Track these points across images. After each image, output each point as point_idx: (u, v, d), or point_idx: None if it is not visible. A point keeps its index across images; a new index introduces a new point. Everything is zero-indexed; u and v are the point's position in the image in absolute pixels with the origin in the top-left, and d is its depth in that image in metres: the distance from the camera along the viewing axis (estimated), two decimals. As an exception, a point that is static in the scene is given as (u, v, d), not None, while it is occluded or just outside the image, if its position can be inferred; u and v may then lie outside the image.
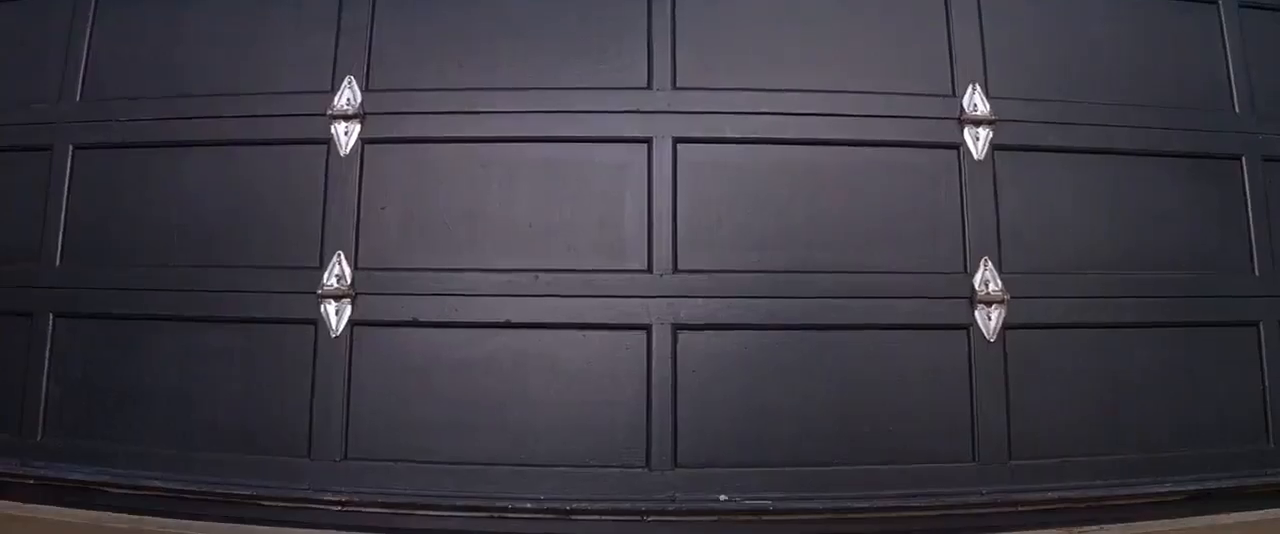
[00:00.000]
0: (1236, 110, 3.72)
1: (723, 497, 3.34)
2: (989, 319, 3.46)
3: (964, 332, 3.46)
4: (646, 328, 3.41)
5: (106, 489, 3.50)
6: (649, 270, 3.44)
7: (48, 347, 3.59)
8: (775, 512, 3.32)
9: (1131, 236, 3.59)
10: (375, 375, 3.45)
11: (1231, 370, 3.60)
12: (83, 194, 3.65)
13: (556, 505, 3.32)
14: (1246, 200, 3.66)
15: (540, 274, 3.44)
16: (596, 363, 3.42)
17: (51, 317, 3.60)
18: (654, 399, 3.39)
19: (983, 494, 3.39)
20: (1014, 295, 3.48)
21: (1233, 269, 3.63)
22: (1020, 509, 3.42)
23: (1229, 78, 3.73)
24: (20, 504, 3.61)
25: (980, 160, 3.54)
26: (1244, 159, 3.68)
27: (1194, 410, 3.56)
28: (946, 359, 3.45)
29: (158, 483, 3.45)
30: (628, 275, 3.44)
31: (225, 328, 3.51)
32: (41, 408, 3.59)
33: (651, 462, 3.36)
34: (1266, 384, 3.59)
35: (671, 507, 3.32)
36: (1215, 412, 3.57)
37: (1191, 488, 3.47)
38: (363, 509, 3.39)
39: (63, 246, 3.63)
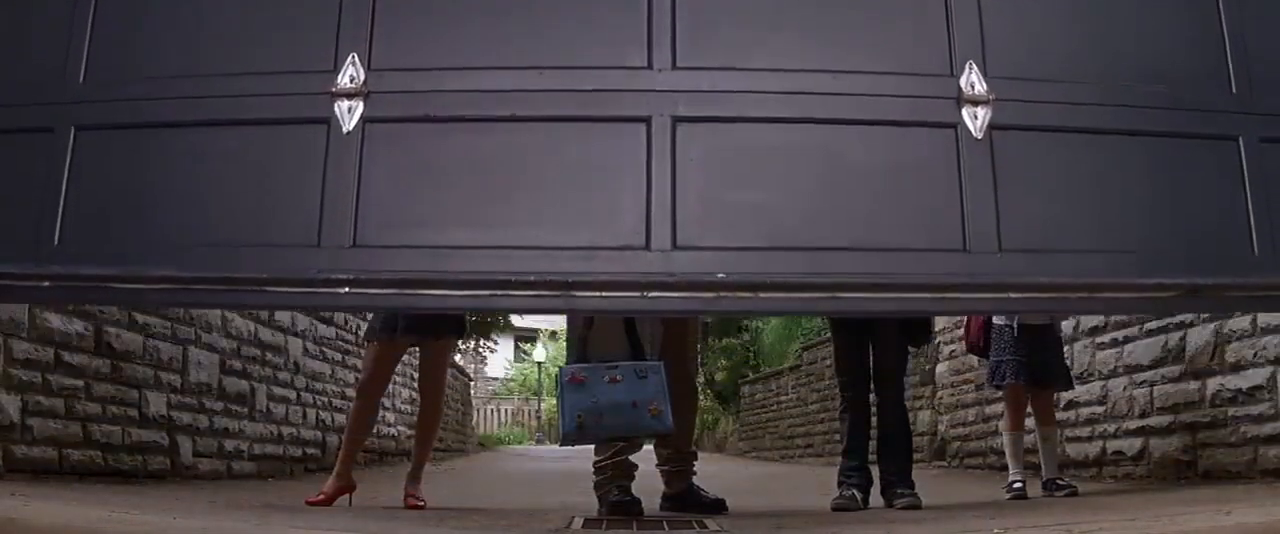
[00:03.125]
0: (1210, -63, 3.93)
1: (721, 274, 3.44)
2: (975, 118, 3.59)
3: (951, 130, 3.60)
4: (646, 120, 3.55)
5: (117, 285, 3.60)
6: (649, 66, 3.60)
7: (68, 159, 3.71)
8: (772, 284, 3.42)
9: (1114, 52, 3.75)
10: (385, 169, 3.58)
11: (1216, 182, 3.72)
12: (106, 16, 3.81)
13: (558, 278, 3.42)
14: (1221, 22, 3.82)
15: (545, 71, 3.60)
16: (598, 154, 3.57)
17: (73, 130, 3.73)
18: (654, 187, 3.51)
19: (974, 276, 3.48)
20: (999, 97, 3.62)
21: (1211, 86, 3.78)
22: (1012, 296, 3.51)
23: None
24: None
25: (962, -31, 3.72)
26: (1218, -18, 3.87)
27: (1181, 218, 3.68)
28: (936, 155, 3.59)
29: (167, 273, 3.54)
30: (629, 71, 3.61)
31: (240, 130, 3.66)
32: (58, 218, 3.68)
33: (651, 243, 3.47)
34: (1249, 196, 3.70)
35: (671, 280, 3.42)
36: (1202, 220, 3.69)
37: (1183, 282, 3.56)
38: (370, 290, 3.49)
39: (87, 63, 3.78)
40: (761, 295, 3.43)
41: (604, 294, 3.43)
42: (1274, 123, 3.74)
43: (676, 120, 3.55)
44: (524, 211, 3.54)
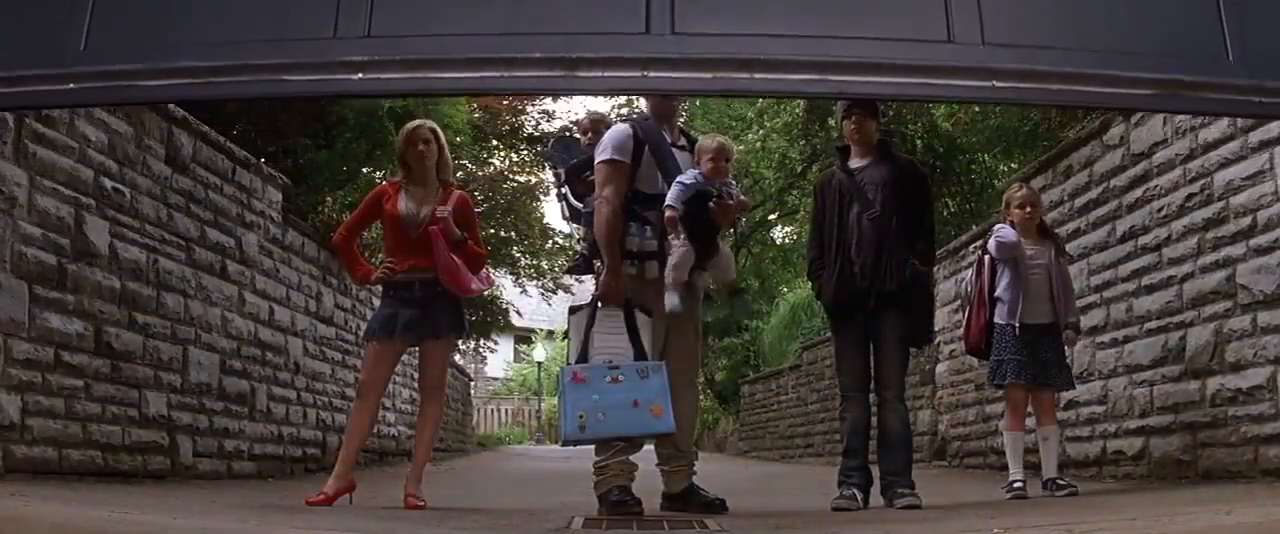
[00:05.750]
0: None
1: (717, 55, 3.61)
2: (955, -84, 3.80)
3: (934, -72, 3.81)
4: (647, -90, 3.76)
5: (140, 82, 3.75)
6: None
7: (97, -25, 3.91)
8: (766, 62, 3.57)
9: None
10: (397, -28, 3.77)
11: (1190, -3, 3.91)
12: None
13: (561, 57, 3.58)
14: None
15: None
16: (602, -55, 3.77)
17: (103, -50, 3.94)
18: (653, -19, 3.70)
19: (959, 63, 3.64)
20: (974, -93, 3.83)
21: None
22: (996, 85, 3.66)
23: None
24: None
25: None
26: None
27: (1160, 24, 3.87)
28: (920, -44, 3.78)
29: (192, 64, 3.70)
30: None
31: (262, -55, 3.87)
32: (85, 27, 3.85)
33: (651, 28, 3.64)
34: (1221, 7, 3.87)
35: (670, 58, 3.58)
36: (1180, 27, 3.87)
37: (1163, 77, 3.71)
38: (383, 75, 3.65)
39: (118, -113, 4.01)
40: (756, 75, 3.57)
41: (606, 73, 3.57)
42: (1245, -61, 3.93)
43: (674, -72, 3.76)
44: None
